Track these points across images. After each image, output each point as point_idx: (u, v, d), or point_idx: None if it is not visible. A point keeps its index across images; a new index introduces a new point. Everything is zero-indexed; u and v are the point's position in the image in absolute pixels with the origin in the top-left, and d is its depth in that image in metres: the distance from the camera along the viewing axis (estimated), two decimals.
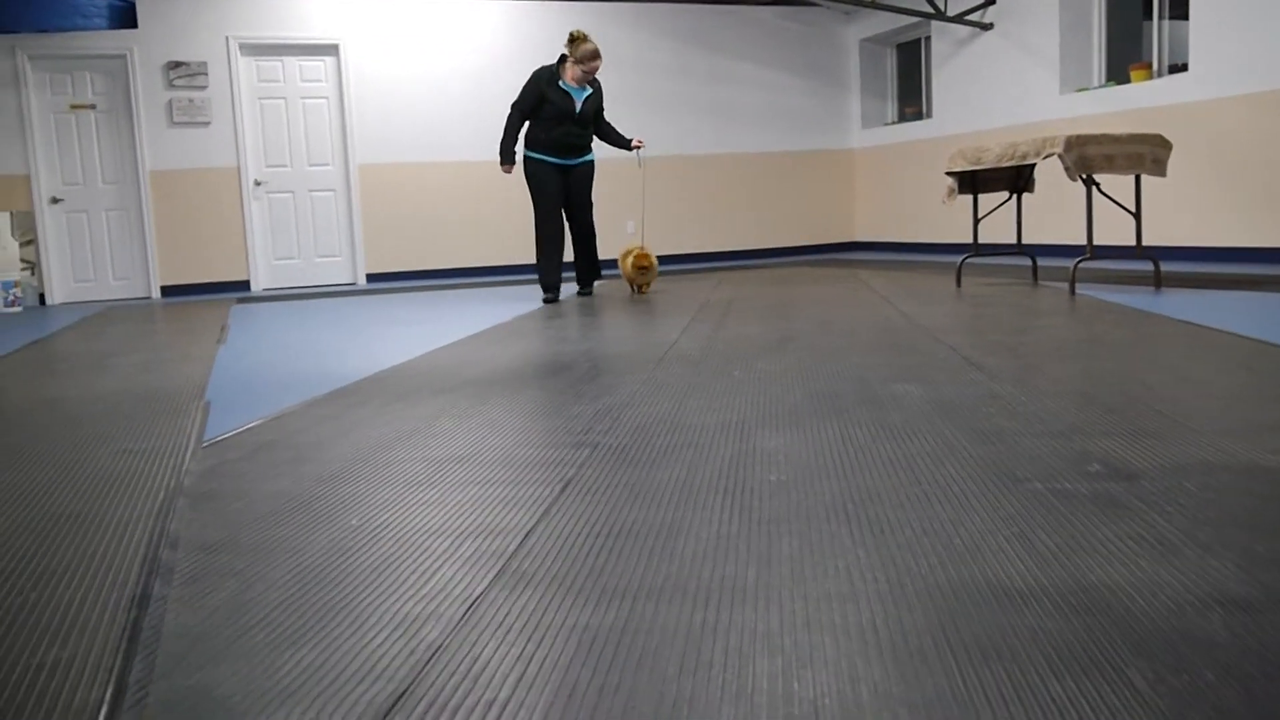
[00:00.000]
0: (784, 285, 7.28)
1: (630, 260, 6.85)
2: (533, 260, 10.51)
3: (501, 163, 6.63)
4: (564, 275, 7.79)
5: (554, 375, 3.58)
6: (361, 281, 9.96)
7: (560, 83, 6.60)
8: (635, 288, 7.02)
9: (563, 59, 6.63)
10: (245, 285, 9.61)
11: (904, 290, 6.36)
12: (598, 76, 6.81)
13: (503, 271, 10.31)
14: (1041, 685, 1.15)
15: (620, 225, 10.47)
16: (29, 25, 8.78)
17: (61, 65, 9.04)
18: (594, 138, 6.91)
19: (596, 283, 7.47)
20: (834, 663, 1.23)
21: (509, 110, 6.66)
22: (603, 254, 10.21)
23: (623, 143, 6.92)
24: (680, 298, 6.60)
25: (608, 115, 7.31)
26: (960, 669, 1.19)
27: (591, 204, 6.92)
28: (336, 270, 9.96)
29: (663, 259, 10.66)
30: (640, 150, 6.98)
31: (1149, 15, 8.32)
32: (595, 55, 6.55)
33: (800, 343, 4.14)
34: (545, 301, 6.68)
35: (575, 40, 6.56)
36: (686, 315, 5.45)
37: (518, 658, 1.28)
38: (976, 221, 6.51)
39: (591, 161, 6.90)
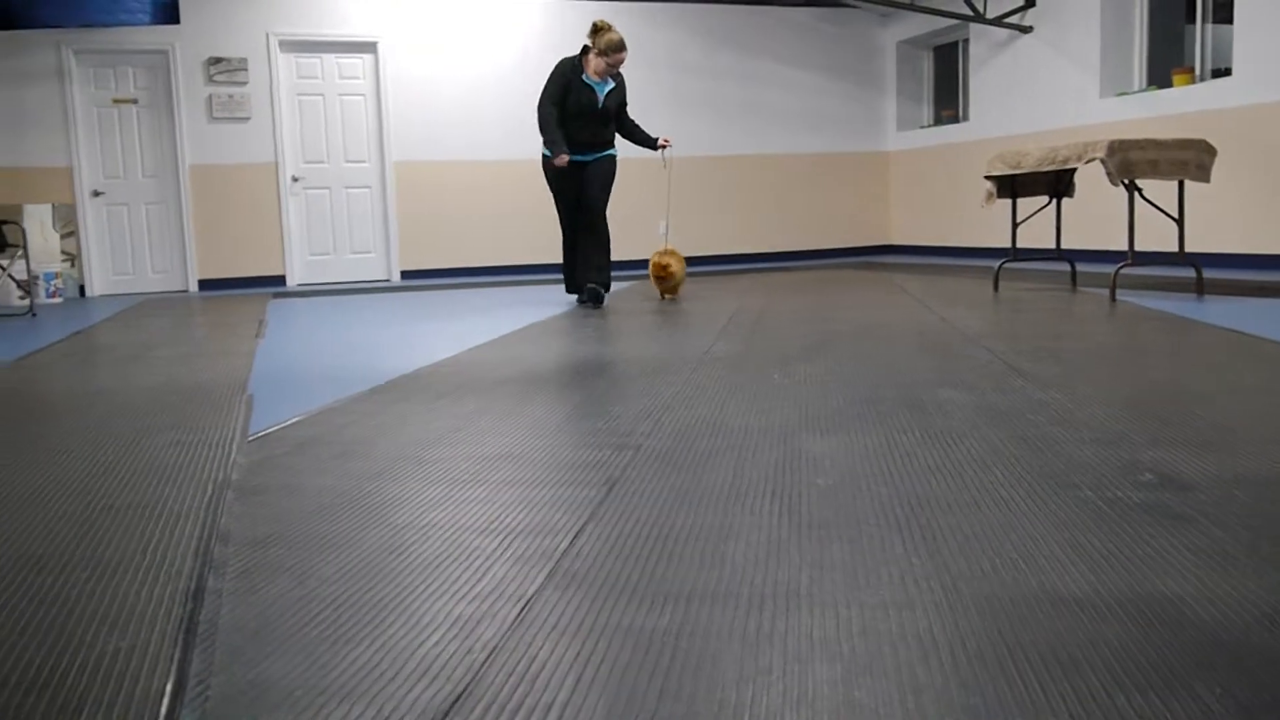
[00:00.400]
0: (819, 288, 7.25)
1: (650, 266, 6.56)
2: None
3: (554, 155, 6.17)
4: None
5: (593, 376, 3.58)
6: (395, 278, 10.01)
7: (583, 76, 6.24)
8: (662, 295, 6.69)
9: (585, 50, 6.27)
10: (281, 280, 9.68)
11: (941, 294, 6.32)
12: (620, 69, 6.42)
13: (537, 270, 10.33)
14: (1106, 696, 1.13)
15: (651, 226, 10.46)
16: (74, 20, 8.90)
17: (105, 60, 9.15)
18: (616, 134, 6.56)
19: (607, 292, 6.67)
20: (894, 671, 1.22)
21: (539, 106, 6.25)
22: (635, 254, 10.24)
23: (649, 142, 6.57)
24: (714, 300, 6.59)
25: (630, 111, 6.90)
26: (1023, 678, 1.18)
27: (604, 200, 6.40)
28: (371, 266, 10.02)
29: (694, 260, 10.65)
30: (667, 150, 6.67)
31: (1192, 19, 8.22)
32: (621, 46, 6.14)
33: (839, 347, 4.12)
34: (579, 303, 6.54)
35: (599, 30, 6.16)
36: (722, 317, 5.44)
37: (574, 659, 1.28)
38: (1015, 226, 6.45)
39: (611, 157, 6.48)
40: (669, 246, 6.66)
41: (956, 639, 1.30)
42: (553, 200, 6.53)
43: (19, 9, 8.91)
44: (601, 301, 6.37)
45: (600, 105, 6.30)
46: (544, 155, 6.36)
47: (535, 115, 6.33)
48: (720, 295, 6.84)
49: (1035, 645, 1.27)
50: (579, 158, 6.39)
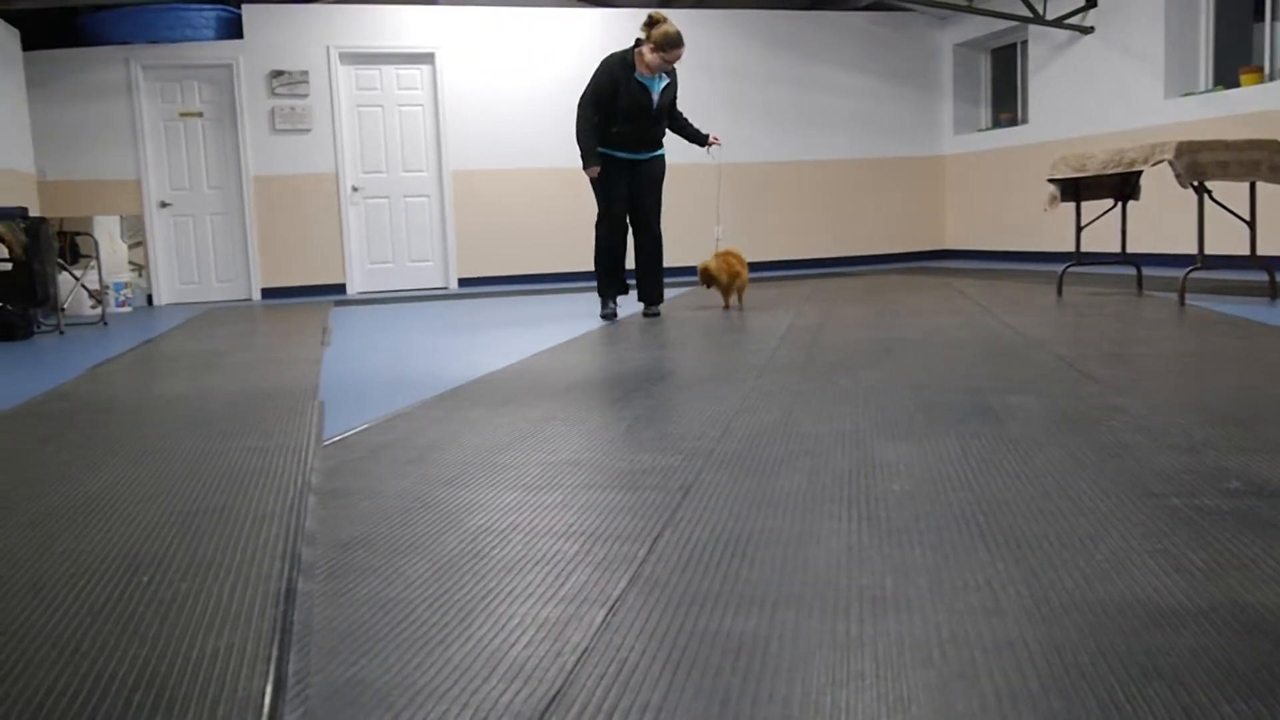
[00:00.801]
0: (877, 293, 7.20)
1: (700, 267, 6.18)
2: None
3: (585, 165, 5.83)
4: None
5: (657, 382, 3.59)
6: (453, 286, 10.11)
7: (635, 73, 5.81)
8: (726, 301, 6.39)
9: (637, 43, 5.83)
10: (341, 289, 9.83)
11: (1002, 299, 6.24)
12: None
13: (594, 278, 10.36)
14: (1212, 707, 1.11)
15: (705, 231, 10.45)
16: (142, 36, 9.12)
17: (171, 74, 9.37)
18: (665, 130, 6.12)
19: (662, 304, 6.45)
20: (988, 677, 1.21)
21: (579, 107, 5.85)
22: (689, 260, 10.25)
23: (698, 138, 6.16)
24: (773, 306, 6.57)
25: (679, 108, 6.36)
26: (1123, 688, 1.17)
27: (659, 206, 6.10)
28: (429, 274, 10.13)
29: (750, 266, 10.60)
30: (716, 148, 6.16)
31: (1260, 16, 8.05)
32: (679, 41, 5.70)
33: (903, 352, 4.09)
34: (604, 318, 6.09)
35: (655, 23, 5.70)
36: (782, 323, 5.42)
37: (665, 662, 1.29)
38: (1079, 230, 6.36)
39: (662, 157, 6.09)
40: (728, 249, 6.29)
41: (1051, 648, 1.28)
42: (596, 200, 6.06)
43: (89, 26, 9.16)
44: (658, 311, 6.17)
45: (655, 104, 5.90)
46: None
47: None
48: (778, 301, 6.81)
49: (1134, 656, 1.25)
50: (632, 156, 5.98)
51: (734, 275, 6.19)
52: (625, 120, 5.86)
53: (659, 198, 6.10)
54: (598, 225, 6.08)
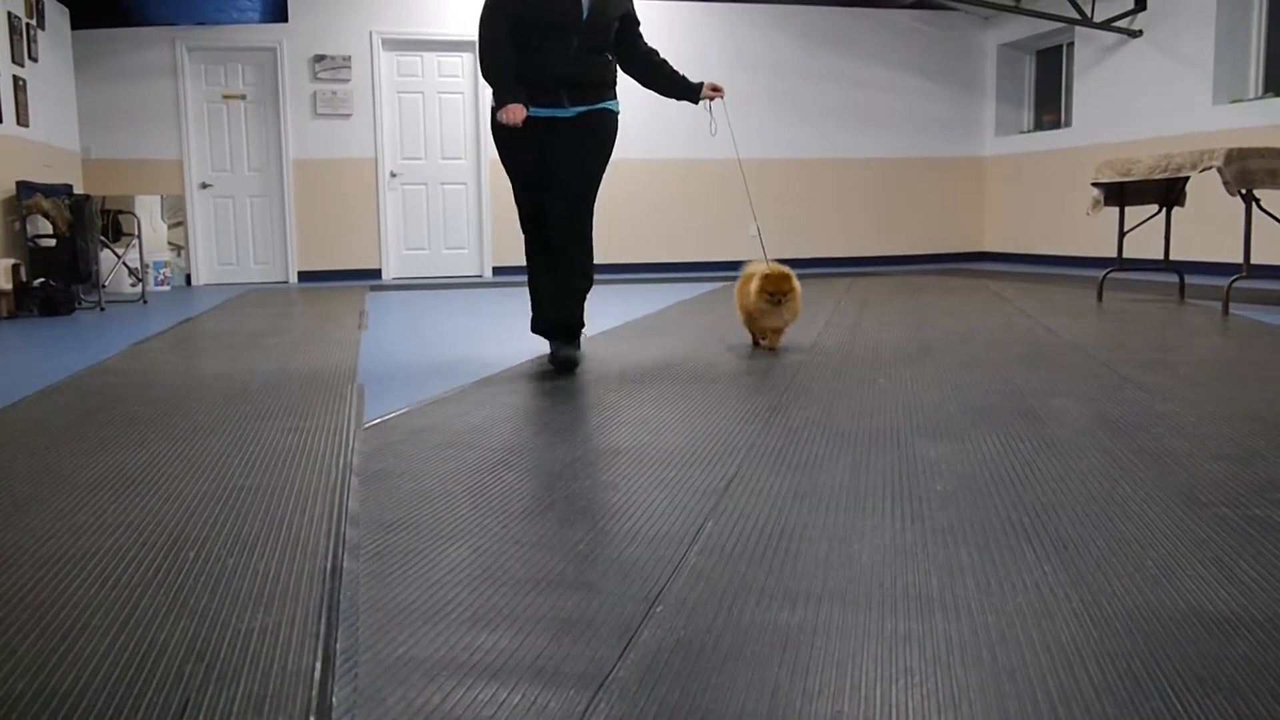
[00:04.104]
0: (914, 294, 7.15)
1: (755, 285, 4.10)
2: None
3: (504, 103, 3.62)
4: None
5: (692, 376, 3.59)
6: (487, 274, 10.14)
7: None
8: (758, 337, 4.35)
9: None
10: (377, 274, 9.88)
11: (1041, 303, 6.18)
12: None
13: (626, 270, 10.37)
14: (1269, 716, 1.10)
15: (738, 227, 10.41)
16: (188, 18, 9.20)
17: (216, 57, 9.44)
18: (615, 73, 3.88)
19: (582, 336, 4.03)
20: (1040, 680, 1.20)
21: (479, 27, 3.70)
22: (722, 256, 10.22)
23: (686, 90, 3.99)
24: (809, 303, 6.53)
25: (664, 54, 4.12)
26: (1178, 695, 1.15)
27: (591, 185, 3.86)
28: (464, 262, 10.16)
29: (786, 264, 10.57)
30: (717, 101, 4.08)
31: None
32: None
33: (942, 353, 4.06)
34: (550, 357, 3.89)
35: None
36: (819, 320, 5.40)
37: (712, 654, 1.29)
38: (1122, 235, 6.29)
39: (605, 114, 3.82)
40: (773, 267, 4.19)
41: (1104, 653, 1.27)
42: (510, 181, 3.98)
43: (137, 7, 9.25)
44: (575, 360, 3.76)
45: (585, 16, 3.65)
46: (492, 108, 3.73)
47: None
48: (814, 299, 6.78)
49: (1189, 665, 1.24)
50: (548, 112, 3.75)
51: (785, 324, 4.24)
52: (538, 43, 3.65)
53: (593, 168, 3.84)
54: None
